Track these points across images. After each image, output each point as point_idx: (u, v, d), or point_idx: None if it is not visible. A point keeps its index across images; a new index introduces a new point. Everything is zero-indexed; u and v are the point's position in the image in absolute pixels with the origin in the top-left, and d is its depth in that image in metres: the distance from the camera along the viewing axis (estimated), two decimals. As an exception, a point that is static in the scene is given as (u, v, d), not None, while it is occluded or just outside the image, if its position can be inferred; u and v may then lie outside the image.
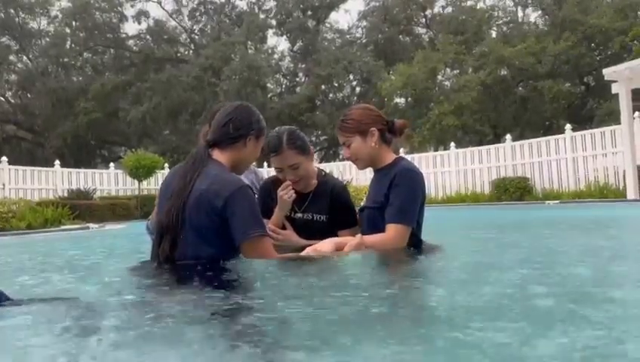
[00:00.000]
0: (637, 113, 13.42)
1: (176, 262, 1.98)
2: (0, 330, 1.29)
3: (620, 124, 12.93)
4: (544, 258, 2.43)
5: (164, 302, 1.58)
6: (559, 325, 1.13)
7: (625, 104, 12.26)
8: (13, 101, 33.99)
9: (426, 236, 2.54)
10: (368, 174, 2.64)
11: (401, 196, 2.33)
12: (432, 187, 17.46)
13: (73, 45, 33.46)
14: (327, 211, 2.66)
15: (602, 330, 1.09)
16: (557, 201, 12.85)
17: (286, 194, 2.55)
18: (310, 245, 2.31)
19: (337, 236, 2.48)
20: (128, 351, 1.07)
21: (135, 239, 4.89)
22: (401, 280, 1.88)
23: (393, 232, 2.30)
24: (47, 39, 33.04)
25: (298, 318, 1.29)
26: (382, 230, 2.32)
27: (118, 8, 33.66)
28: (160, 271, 1.99)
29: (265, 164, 19.10)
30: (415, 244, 2.41)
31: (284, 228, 2.63)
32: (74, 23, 33.00)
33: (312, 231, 2.57)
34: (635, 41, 20.26)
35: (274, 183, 2.74)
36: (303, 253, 2.18)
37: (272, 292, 1.70)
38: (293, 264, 2.12)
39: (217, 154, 2.13)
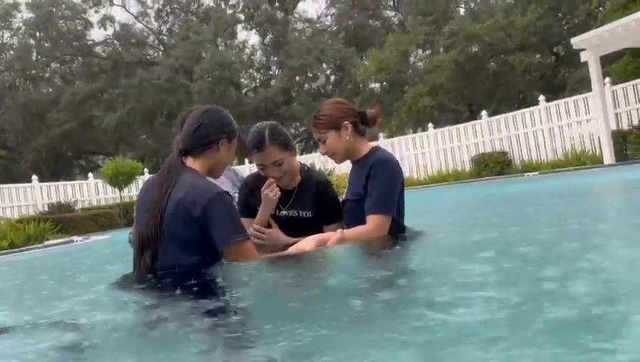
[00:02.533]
0: (607, 79, 13.64)
1: (157, 273, 1.98)
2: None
3: (591, 91, 13.13)
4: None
5: (148, 316, 1.58)
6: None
7: (595, 71, 12.44)
8: (-18, 118, 33.28)
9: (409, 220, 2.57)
10: (349, 162, 2.64)
11: (378, 186, 2.34)
12: (414, 168, 17.60)
13: (39, 57, 32.80)
14: (313, 207, 2.62)
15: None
16: (536, 173, 13.05)
17: (271, 192, 2.50)
18: (296, 243, 2.32)
19: (323, 231, 2.48)
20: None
21: (119, 250, 4.86)
22: (381, 271, 1.90)
23: (373, 223, 2.32)
24: (12, 52, 32.32)
25: (280, 321, 1.30)
26: (364, 222, 2.34)
27: (82, 15, 33.04)
28: (143, 284, 1.99)
29: (246, 160, 19.05)
30: (397, 231, 2.43)
31: (269, 226, 2.59)
32: (38, 33, 32.32)
33: (298, 228, 2.54)
34: (601, 8, 20.52)
35: (256, 181, 2.68)
36: (285, 253, 2.18)
37: (254, 295, 1.71)
38: (276, 264, 2.13)
39: (191, 162, 2.12)
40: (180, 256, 1.98)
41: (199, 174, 2.09)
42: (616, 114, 13.56)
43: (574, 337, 0.95)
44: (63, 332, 1.47)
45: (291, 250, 2.18)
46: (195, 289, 1.82)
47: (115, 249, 5.58)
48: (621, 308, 1.12)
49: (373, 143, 2.65)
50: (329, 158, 2.57)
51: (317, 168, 2.93)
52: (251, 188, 2.69)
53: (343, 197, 2.63)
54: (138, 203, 2.17)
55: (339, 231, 2.25)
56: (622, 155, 12.09)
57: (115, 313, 1.71)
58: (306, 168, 2.77)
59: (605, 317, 1.06)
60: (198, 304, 1.58)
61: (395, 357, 0.96)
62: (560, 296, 1.23)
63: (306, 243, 2.19)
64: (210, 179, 2.17)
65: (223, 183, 2.73)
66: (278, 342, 1.11)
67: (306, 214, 2.62)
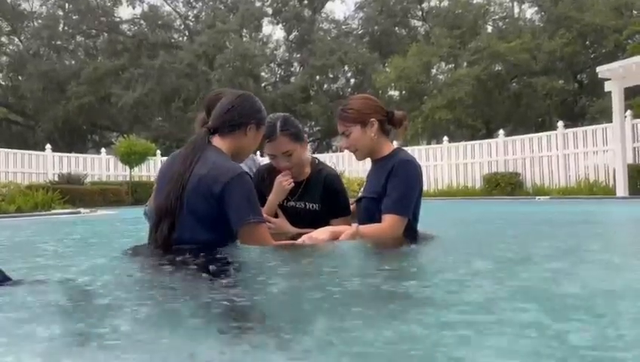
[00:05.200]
0: (629, 111, 13.53)
1: (172, 246, 2.00)
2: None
3: (611, 122, 13.03)
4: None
5: (157, 284, 1.60)
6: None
7: (617, 102, 12.34)
8: (3, 83, 33.57)
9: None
10: (361, 166, 2.64)
11: (398, 187, 2.34)
12: (424, 180, 17.52)
13: (66, 28, 33.03)
14: (320, 200, 2.64)
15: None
16: (547, 197, 12.97)
17: (286, 181, 2.54)
18: (303, 234, 2.32)
19: (329, 225, 2.49)
20: (122, 332, 1.08)
21: (130, 223, 4.90)
22: (390, 267, 1.90)
23: (389, 222, 2.32)
24: (40, 21, 32.58)
25: (286, 303, 1.31)
26: (379, 220, 2.34)
27: (112, -8, 33.27)
28: (156, 255, 2.00)
29: (258, 153, 19.09)
30: (410, 235, 2.43)
31: (276, 216, 2.61)
32: (67, 5, 32.57)
33: (304, 220, 2.56)
34: (630, 40, 20.38)
35: (268, 171, 2.72)
36: (299, 241, 2.19)
37: (263, 278, 1.72)
38: (288, 251, 2.14)
39: (217, 141, 2.15)
40: (197, 231, 2.00)
41: (224, 153, 2.11)
42: (635, 148, 13.44)
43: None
44: (67, 290, 1.49)
45: (304, 238, 2.18)
46: (202, 265, 1.83)
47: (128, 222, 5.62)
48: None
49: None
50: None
51: (331, 167, 2.87)
52: (263, 178, 2.71)
53: (359, 195, 2.64)
54: (160, 175, 2.20)
55: (354, 225, 2.26)
56: (635, 189, 12.00)
57: (121, 278, 1.73)
58: (316, 161, 2.78)
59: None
60: (203, 281, 1.60)
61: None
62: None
63: (320, 234, 2.20)
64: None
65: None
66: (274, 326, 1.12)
67: (312, 207, 2.64)
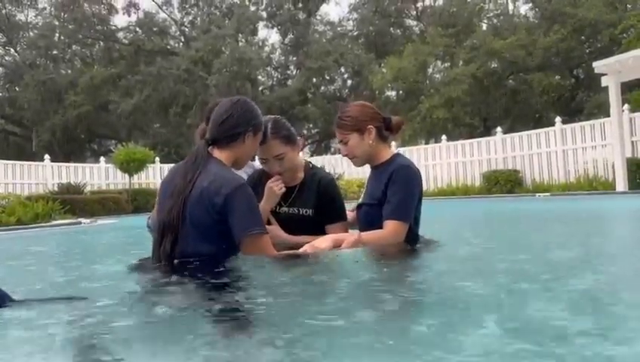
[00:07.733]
0: (626, 106, 13.54)
1: (176, 260, 1.99)
2: (1, 331, 1.30)
3: (609, 116, 13.04)
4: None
5: (163, 300, 1.60)
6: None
7: (614, 97, 12.36)
8: (1, 94, 33.57)
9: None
10: (360, 168, 2.60)
11: (398, 193, 2.34)
12: (424, 180, 17.53)
13: (62, 37, 33.05)
14: (314, 205, 2.55)
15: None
16: (547, 194, 12.97)
17: (277, 186, 2.46)
18: (297, 241, 2.30)
19: (324, 231, 2.45)
20: (126, 350, 1.08)
21: (131, 233, 4.89)
22: (397, 275, 1.91)
23: (391, 229, 2.31)
24: (36, 31, 32.60)
25: (292, 315, 1.31)
26: (379, 227, 2.34)
27: (108, 0, 33.28)
28: (160, 270, 2.00)
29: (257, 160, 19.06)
30: (412, 240, 2.42)
31: (269, 223, 2.51)
32: (62, 14, 32.59)
33: (298, 226, 2.48)
34: (625, 34, 20.38)
35: (260, 177, 2.64)
36: (301, 250, 2.18)
37: (268, 289, 1.72)
38: (292, 261, 2.13)
39: (217, 153, 2.15)
40: (200, 244, 2.00)
41: (224, 165, 2.11)
42: (633, 142, 13.46)
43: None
44: (70, 309, 1.49)
45: (306, 248, 2.18)
46: (207, 278, 1.83)
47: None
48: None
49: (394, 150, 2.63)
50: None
51: (326, 171, 2.80)
52: (255, 183, 2.60)
53: (359, 201, 2.62)
54: (161, 189, 2.19)
55: (355, 232, 2.25)
56: (635, 183, 12.01)
57: (126, 296, 1.73)
58: (310, 165, 2.70)
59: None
60: (208, 294, 1.60)
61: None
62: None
63: (322, 242, 2.19)
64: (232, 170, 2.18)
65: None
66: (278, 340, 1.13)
67: (306, 212, 2.55)
